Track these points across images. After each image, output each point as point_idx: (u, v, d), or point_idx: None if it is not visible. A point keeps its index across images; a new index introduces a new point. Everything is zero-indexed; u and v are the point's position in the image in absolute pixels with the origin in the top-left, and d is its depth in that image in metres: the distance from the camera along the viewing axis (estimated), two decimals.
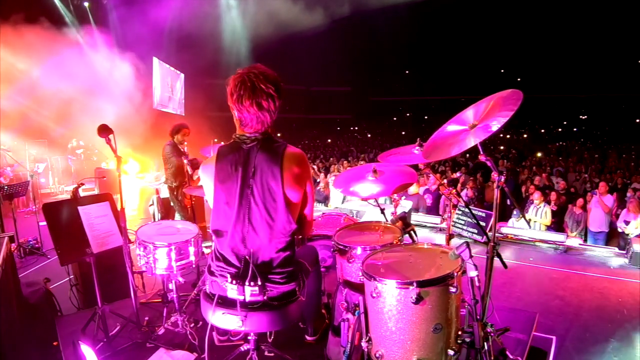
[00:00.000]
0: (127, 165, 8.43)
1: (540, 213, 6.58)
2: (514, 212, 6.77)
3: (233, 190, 1.78)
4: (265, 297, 1.80)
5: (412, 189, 7.57)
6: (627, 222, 6.10)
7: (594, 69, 25.08)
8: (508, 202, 7.16)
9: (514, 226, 6.63)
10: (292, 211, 1.81)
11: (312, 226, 2.08)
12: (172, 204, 5.13)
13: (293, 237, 1.86)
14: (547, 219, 6.52)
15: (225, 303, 1.83)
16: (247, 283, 1.77)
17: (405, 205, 7.00)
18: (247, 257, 1.79)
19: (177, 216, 5.11)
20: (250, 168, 1.76)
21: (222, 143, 2.12)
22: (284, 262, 1.83)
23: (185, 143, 4.60)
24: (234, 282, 1.79)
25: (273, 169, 1.75)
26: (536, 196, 6.67)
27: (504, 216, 7.05)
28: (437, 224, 6.92)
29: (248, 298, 1.79)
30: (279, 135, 1.88)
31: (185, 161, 4.07)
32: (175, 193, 4.92)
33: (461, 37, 24.29)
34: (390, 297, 1.71)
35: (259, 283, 1.77)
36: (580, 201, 6.91)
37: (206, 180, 1.87)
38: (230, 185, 1.79)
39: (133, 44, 10.55)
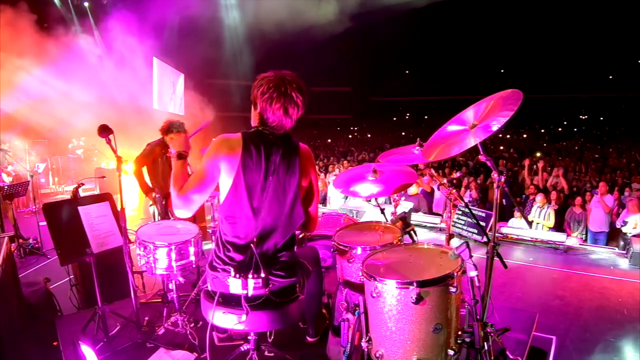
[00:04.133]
0: (127, 165, 8.41)
1: (543, 215, 6.55)
2: (515, 213, 6.77)
3: (255, 178, 1.82)
4: (267, 291, 1.81)
5: (412, 190, 7.57)
6: (625, 222, 6.09)
7: (594, 69, 25.10)
8: (504, 202, 7.16)
9: (514, 226, 6.63)
10: (304, 204, 1.91)
11: (316, 222, 2.09)
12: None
13: (294, 233, 1.94)
14: (551, 221, 6.50)
15: (227, 301, 1.84)
16: (250, 275, 1.79)
17: (405, 205, 7.00)
18: (252, 245, 1.82)
19: None
20: (272, 160, 1.83)
21: None
22: (286, 254, 1.91)
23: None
24: (237, 275, 1.80)
25: (293, 163, 1.85)
26: (539, 198, 6.64)
27: (504, 216, 7.05)
28: (436, 223, 6.92)
29: (251, 292, 1.80)
30: None
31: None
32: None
33: (461, 37, 24.29)
34: (390, 297, 1.71)
35: (262, 275, 1.79)
36: (578, 200, 6.85)
37: (225, 164, 1.82)
38: (254, 172, 1.82)
39: (133, 43, 10.56)
